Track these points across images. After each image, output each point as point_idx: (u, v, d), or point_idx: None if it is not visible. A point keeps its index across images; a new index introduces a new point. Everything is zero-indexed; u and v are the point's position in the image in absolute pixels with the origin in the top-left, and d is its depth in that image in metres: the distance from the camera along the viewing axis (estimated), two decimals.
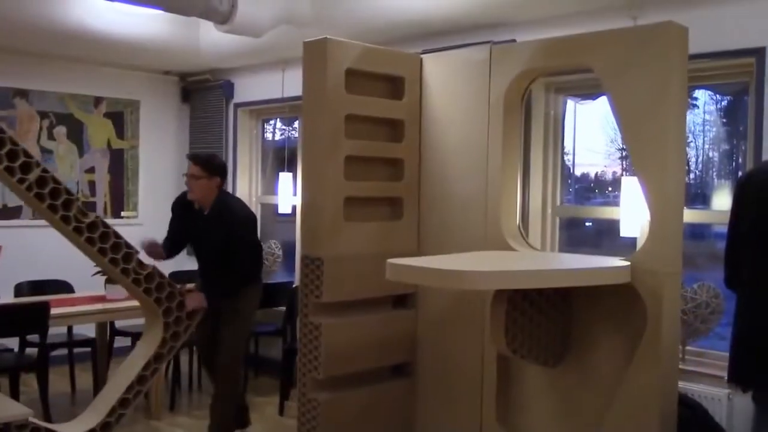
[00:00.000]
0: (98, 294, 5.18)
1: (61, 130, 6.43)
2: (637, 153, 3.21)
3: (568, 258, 3.65)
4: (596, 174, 4.89)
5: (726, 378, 2.76)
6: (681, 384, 3.50)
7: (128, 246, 3.79)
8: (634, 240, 3.93)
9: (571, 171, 4.79)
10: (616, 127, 3.36)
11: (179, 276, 6.10)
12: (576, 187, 4.84)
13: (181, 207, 4.39)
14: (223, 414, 4.32)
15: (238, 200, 4.52)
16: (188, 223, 4.35)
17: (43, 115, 6.32)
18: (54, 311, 4.57)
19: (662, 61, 3.11)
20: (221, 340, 4.30)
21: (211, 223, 4.21)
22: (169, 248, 4.42)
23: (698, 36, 3.36)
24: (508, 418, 3.69)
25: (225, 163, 4.47)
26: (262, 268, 4.54)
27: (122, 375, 3.92)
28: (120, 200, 6.82)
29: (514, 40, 4.31)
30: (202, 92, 6.97)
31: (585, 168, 4.88)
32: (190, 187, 4.21)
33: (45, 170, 3.47)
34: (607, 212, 4.42)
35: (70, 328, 5.40)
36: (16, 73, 6.12)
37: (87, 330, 5.43)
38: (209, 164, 4.20)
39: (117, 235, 3.73)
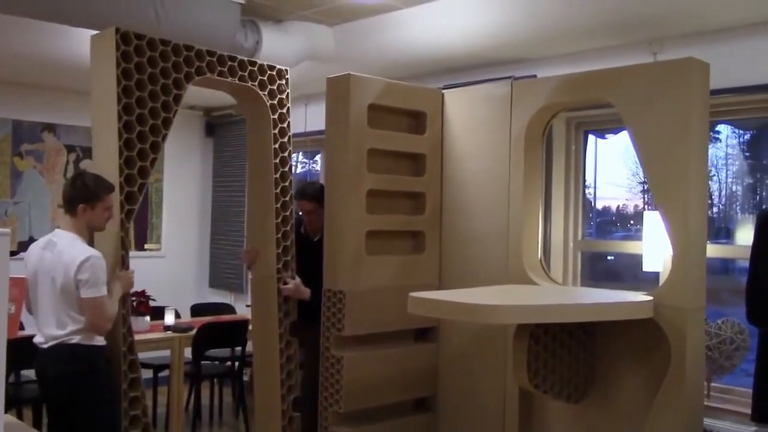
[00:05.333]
0: None
1: (87, 163, 6.53)
2: (658, 188, 3.21)
3: (591, 292, 3.63)
4: (617, 207, 4.88)
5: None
6: (706, 421, 3.46)
7: None
8: (656, 275, 3.90)
9: (593, 205, 4.79)
10: (638, 161, 3.37)
11: (202, 308, 6.15)
12: (597, 220, 4.83)
13: (296, 234, 4.42)
14: None
15: None
16: (297, 247, 4.39)
17: (70, 148, 6.44)
18: None
19: (683, 97, 3.12)
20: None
21: (320, 249, 4.22)
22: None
23: (719, 71, 3.37)
24: None
25: None
26: None
27: None
28: (144, 233, 6.89)
29: (534, 76, 4.35)
30: (225, 126, 7.08)
31: (606, 201, 4.88)
32: (310, 221, 4.30)
33: None
34: (629, 246, 4.40)
35: None
36: (45, 108, 6.26)
37: None
38: (318, 195, 4.22)
39: None
